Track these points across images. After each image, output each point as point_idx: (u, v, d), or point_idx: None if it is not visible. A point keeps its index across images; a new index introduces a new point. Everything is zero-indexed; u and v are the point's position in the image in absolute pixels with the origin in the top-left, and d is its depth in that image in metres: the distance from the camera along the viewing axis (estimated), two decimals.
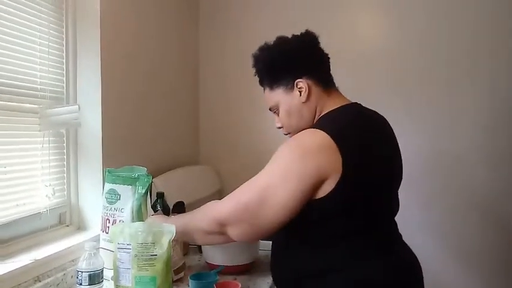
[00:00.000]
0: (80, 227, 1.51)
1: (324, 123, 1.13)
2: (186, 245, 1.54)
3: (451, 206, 2.14)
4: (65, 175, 1.48)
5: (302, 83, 1.17)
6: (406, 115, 2.14)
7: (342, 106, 1.17)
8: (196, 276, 1.25)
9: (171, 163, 2.05)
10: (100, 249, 1.31)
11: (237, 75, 2.38)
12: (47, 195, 1.36)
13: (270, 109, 1.27)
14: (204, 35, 2.46)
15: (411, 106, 2.18)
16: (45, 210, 1.35)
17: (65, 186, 1.48)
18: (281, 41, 1.23)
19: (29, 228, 1.32)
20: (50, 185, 1.38)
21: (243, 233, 1.10)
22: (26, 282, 1.14)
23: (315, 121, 1.19)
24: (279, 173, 1.07)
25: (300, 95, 1.17)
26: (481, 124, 2.11)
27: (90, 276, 1.13)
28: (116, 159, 1.53)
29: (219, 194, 2.41)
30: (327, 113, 1.17)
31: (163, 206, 1.59)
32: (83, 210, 1.52)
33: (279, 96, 1.21)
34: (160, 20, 2.00)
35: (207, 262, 1.44)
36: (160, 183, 1.76)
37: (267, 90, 1.24)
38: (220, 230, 1.12)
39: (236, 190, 1.13)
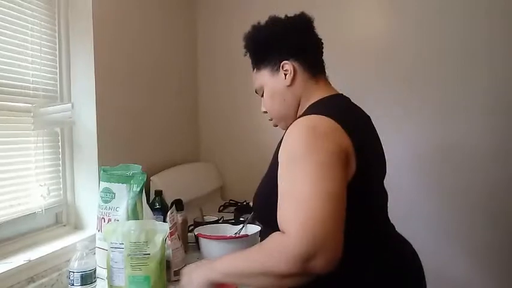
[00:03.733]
0: (77, 226, 1.50)
1: (318, 110, 1.01)
2: (185, 242, 1.52)
3: (454, 204, 2.09)
4: (61, 174, 1.46)
5: (288, 65, 1.10)
6: (405, 111, 2.08)
7: (331, 95, 1.10)
8: None
9: (170, 160, 2.03)
10: (96, 248, 1.30)
11: (238, 70, 2.35)
12: (41, 195, 1.34)
13: (256, 91, 1.22)
14: (203, 29, 2.43)
15: (411, 103, 2.11)
16: (40, 210, 1.33)
17: (61, 186, 1.46)
18: (273, 20, 1.17)
19: (24, 229, 1.31)
20: (44, 184, 1.36)
21: (330, 258, 0.82)
22: (19, 283, 1.13)
23: (303, 109, 1.10)
24: (315, 166, 0.88)
25: (285, 78, 1.11)
26: (484, 119, 2.05)
27: (82, 276, 1.11)
28: (112, 158, 1.52)
29: (221, 192, 2.39)
30: (317, 101, 1.08)
31: (162, 204, 1.57)
32: (80, 210, 1.50)
33: (264, 77, 1.15)
34: (156, 14, 1.98)
35: None
36: (158, 181, 1.75)
37: (254, 70, 1.20)
38: (303, 269, 0.82)
39: (289, 215, 0.86)
